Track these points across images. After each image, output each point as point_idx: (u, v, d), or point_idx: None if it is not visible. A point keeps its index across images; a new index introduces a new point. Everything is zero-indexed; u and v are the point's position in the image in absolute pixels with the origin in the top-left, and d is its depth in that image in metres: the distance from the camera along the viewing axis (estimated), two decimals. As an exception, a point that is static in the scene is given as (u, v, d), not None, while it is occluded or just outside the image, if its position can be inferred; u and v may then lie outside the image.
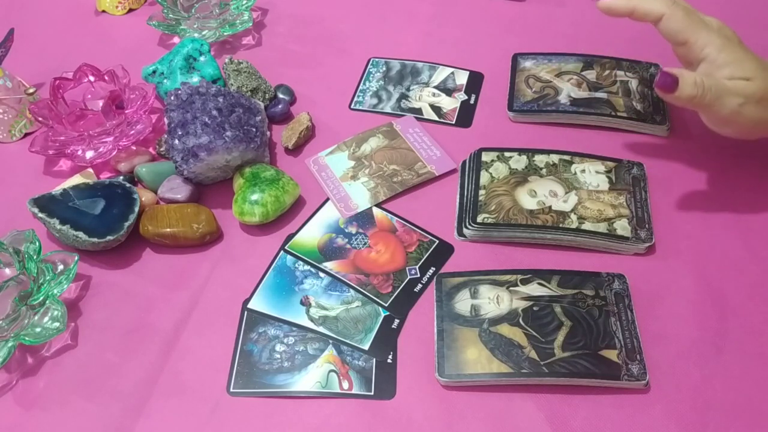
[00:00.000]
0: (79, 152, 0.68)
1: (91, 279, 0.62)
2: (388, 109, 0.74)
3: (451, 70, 0.77)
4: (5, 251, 0.57)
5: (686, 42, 0.56)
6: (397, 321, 0.57)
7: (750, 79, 0.55)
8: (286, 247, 0.63)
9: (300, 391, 0.54)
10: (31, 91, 0.75)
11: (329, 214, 0.65)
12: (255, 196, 0.63)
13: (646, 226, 0.60)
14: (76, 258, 0.60)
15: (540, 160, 0.65)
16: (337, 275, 0.60)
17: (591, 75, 0.73)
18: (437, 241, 0.62)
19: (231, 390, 0.54)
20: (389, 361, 0.55)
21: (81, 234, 0.61)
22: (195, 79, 0.74)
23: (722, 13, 0.80)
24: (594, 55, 0.75)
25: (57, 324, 0.56)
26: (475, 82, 0.76)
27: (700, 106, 0.55)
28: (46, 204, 0.63)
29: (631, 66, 0.73)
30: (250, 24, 0.83)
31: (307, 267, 0.61)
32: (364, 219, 0.64)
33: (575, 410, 0.51)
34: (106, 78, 0.71)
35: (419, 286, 0.59)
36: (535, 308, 0.55)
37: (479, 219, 0.61)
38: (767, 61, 0.58)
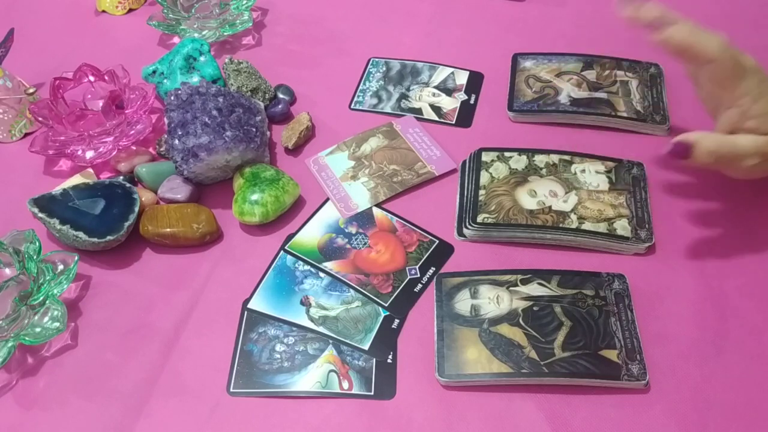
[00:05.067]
0: (79, 152, 0.68)
1: (91, 279, 0.62)
2: (388, 109, 0.74)
3: (451, 70, 0.77)
4: (5, 251, 0.57)
5: (723, 89, 0.54)
6: (397, 321, 0.57)
7: None
8: (286, 247, 0.63)
9: (300, 391, 0.54)
10: (31, 91, 0.75)
11: (329, 214, 0.65)
12: (255, 196, 0.63)
13: (646, 226, 0.60)
14: (76, 258, 0.60)
15: (540, 160, 0.65)
16: (337, 275, 0.60)
17: (591, 75, 0.73)
18: (437, 241, 0.62)
19: (231, 390, 0.54)
20: (389, 361, 0.55)
21: (81, 234, 0.61)
22: (195, 79, 0.74)
23: (722, 13, 0.80)
24: (594, 55, 0.75)
25: (57, 324, 0.56)
26: (475, 82, 0.76)
27: (712, 168, 0.54)
28: (46, 204, 0.63)
29: (631, 66, 0.73)
30: (250, 24, 0.83)
31: (307, 267, 0.61)
32: (364, 219, 0.64)
33: (575, 410, 0.51)
34: (106, 78, 0.71)
35: (419, 286, 0.59)
36: (535, 308, 0.55)
37: (479, 219, 0.61)
38: None
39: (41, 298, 0.57)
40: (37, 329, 0.56)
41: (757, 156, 0.53)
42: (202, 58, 0.75)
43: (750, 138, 0.53)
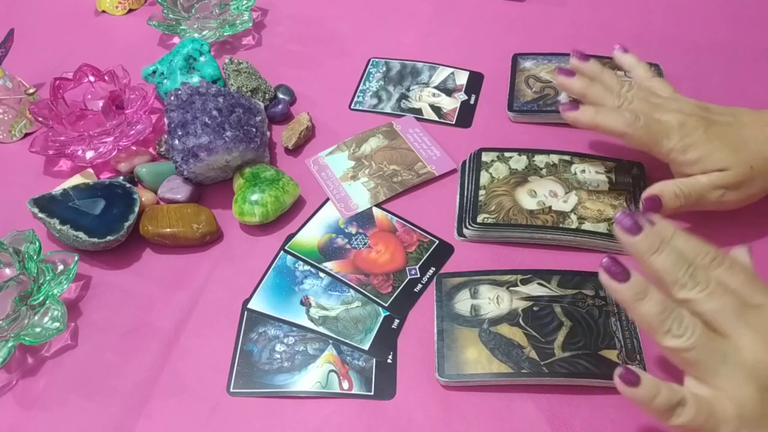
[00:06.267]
0: (79, 152, 0.68)
1: (91, 279, 0.62)
2: (388, 110, 0.74)
3: (451, 70, 0.77)
4: (5, 251, 0.58)
5: (650, 151, 0.57)
6: (397, 321, 0.57)
7: (724, 169, 0.55)
8: (286, 247, 0.63)
9: (300, 391, 0.54)
10: (31, 91, 0.75)
11: (329, 214, 0.65)
12: (255, 196, 0.63)
13: (646, 226, 0.60)
14: (76, 258, 0.60)
15: (540, 160, 0.65)
16: (337, 275, 0.60)
17: (591, 75, 0.73)
18: (437, 241, 0.62)
19: (231, 390, 0.54)
20: (389, 361, 0.55)
21: (81, 234, 0.61)
22: (195, 79, 0.74)
23: (722, 13, 0.80)
24: (594, 55, 0.75)
25: (57, 324, 0.56)
26: (475, 82, 0.76)
27: (687, 208, 0.57)
28: (46, 204, 0.63)
29: (631, 66, 0.73)
30: (250, 24, 0.83)
31: (307, 267, 0.61)
32: (364, 219, 0.64)
33: (575, 410, 0.51)
34: (106, 78, 0.71)
35: (419, 286, 0.59)
36: (535, 308, 0.55)
37: (479, 219, 0.61)
38: (735, 126, 0.56)
39: (41, 298, 0.57)
40: (37, 329, 0.56)
41: (720, 188, 0.55)
42: (202, 58, 0.75)
43: (705, 175, 0.56)
